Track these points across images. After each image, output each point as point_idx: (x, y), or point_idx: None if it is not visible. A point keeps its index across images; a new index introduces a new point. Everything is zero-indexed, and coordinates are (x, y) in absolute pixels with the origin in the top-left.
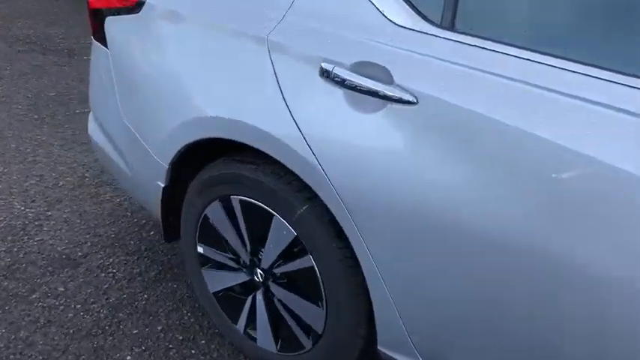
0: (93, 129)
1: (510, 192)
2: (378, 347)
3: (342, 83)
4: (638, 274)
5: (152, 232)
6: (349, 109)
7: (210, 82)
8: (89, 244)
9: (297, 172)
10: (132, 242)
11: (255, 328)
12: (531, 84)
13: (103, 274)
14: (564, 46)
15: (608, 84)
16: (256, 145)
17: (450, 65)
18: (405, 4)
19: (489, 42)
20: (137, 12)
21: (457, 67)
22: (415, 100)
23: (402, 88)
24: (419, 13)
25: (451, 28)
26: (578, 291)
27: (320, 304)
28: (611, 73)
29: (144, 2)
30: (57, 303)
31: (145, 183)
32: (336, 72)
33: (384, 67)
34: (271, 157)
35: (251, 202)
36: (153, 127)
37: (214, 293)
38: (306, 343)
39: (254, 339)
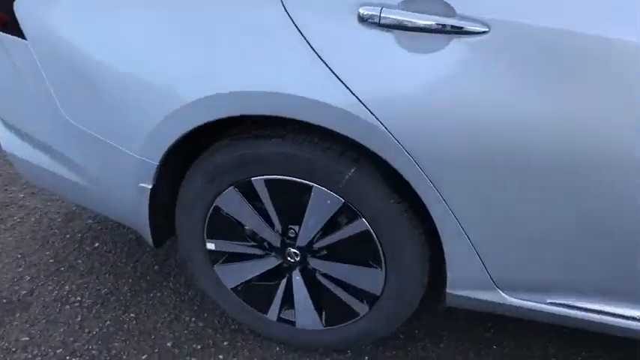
0: (10, 142)
1: (605, 107)
2: (448, 290)
3: (393, 25)
4: None
5: (97, 244)
6: (406, 51)
7: (216, 55)
8: (28, 277)
9: (349, 134)
10: (79, 261)
11: (291, 311)
12: None
13: (68, 306)
14: None
15: None
16: (294, 116)
17: None
18: None
19: None
20: None
21: None
22: (487, 29)
23: (469, 18)
24: None
25: None
26: None
27: (378, 265)
28: None
29: None
30: (29, 356)
31: (120, 189)
32: (384, 14)
33: None
34: (297, 126)
35: (280, 180)
36: (130, 122)
37: (233, 288)
38: (361, 309)
39: (291, 322)
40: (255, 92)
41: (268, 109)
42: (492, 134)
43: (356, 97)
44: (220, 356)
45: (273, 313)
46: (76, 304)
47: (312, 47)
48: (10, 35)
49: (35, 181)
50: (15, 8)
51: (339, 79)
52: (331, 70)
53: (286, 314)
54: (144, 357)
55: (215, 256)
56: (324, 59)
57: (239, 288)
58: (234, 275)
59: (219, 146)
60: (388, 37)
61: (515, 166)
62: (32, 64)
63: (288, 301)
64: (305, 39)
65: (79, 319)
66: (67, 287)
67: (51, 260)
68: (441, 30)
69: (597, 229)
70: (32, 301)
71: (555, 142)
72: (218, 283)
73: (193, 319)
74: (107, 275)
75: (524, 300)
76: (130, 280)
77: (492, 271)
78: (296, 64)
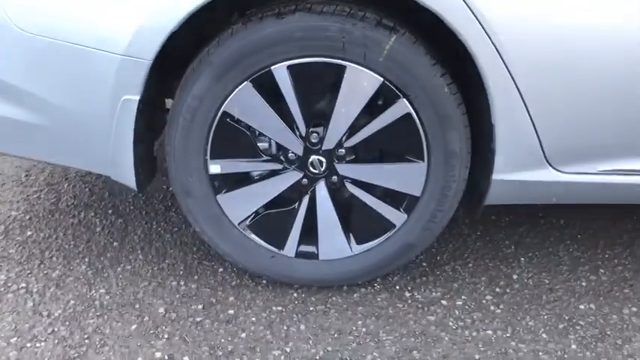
0: None
1: None
2: (494, 177)
3: None
4: None
5: (29, 233)
6: None
7: None
8: None
9: None
10: (12, 251)
11: (312, 242)
12: None
13: (10, 295)
14: None
15: None
16: None
17: None
18: None
19: None
20: None
21: None
22: None
23: None
24: None
25: None
26: None
27: (419, 157)
28: None
29: None
30: None
31: (92, 113)
32: None
33: None
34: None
35: (307, 63)
36: (109, 10)
37: (241, 222)
38: (398, 218)
39: (313, 255)
40: None
41: None
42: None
43: None
44: (230, 311)
45: (290, 246)
46: (22, 291)
47: None
48: None
49: None
50: None
51: None
52: None
53: (306, 247)
54: (133, 327)
55: (219, 183)
56: None
57: (248, 221)
58: (242, 205)
59: (230, 32)
60: None
61: (580, 29)
62: None
63: (308, 229)
64: None
65: (30, 304)
66: (1, 277)
67: None
68: None
69: None
70: None
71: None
72: (220, 220)
73: (182, 282)
74: (55, 259)
75: (574, 174)
76: (87, 259)
77: (546, 144)
78: None
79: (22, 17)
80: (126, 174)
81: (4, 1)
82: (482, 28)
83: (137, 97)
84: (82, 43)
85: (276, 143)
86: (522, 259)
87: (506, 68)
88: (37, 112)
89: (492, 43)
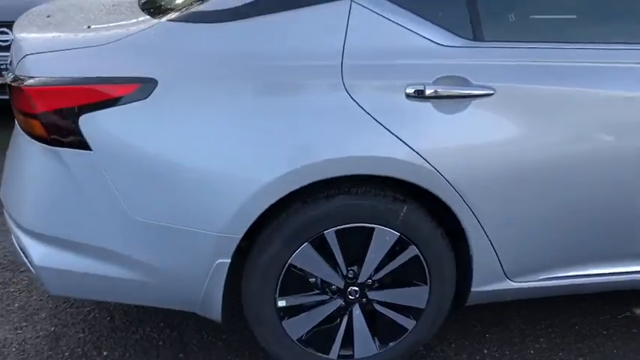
0: (46, 256)
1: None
2: (473, 289)
3: (431, 97)
4: None
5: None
6: (441, 113)
7: (304, 134)
8: None
9: (414, 181)
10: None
11: (350, 345)
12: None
13: None
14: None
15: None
16: (375, 172)
17: (505, 63)
18: (441, 29)
19: (518, 43)
20: (143, 99)
21: (510, 64)
22: (493, 92)
23: (481, 86)
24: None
25: (482, 40)
26: None
27: (423, 282)
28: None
29: (152, 84)
30: None
31: (190, 273)
32: (427, 89)
33: (460, 76)
34: (357, 180)
35: (349, 228)
36: (211, 204)
37: (299, 339)
38: (409, 324)
39: (349, 357)
40: (344, 158)
41: (353, 168)
42: (509, 166)
43: (412, 149)
44: None
45: (334, 351)
46: None
47: (374, 118)
48: (71, 149)
49: (69, 289)
50: (81, 122)
51: (398, 137)
52: (391, 132)
53: (344, 350)
54: None
55: (284, 313)
56: (384, 124)
57: (303, 337)
58: (300, 326)
59: (294, 209)
60: (426, 105)
61: (531, 189)
62: (97, 173)
63: (347, 336)
64: (369, 114)
65: None
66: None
67: None
68: (464, 95)
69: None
70: None
71: (550, 168)
72: (283, 337)
73: None
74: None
75: (523, 282)
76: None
77: (506, 267)
78: (365, 132)
79: (137, 208)
80: (213, 312)
81: (122, 197)
82: (460, 195)
83: (228, 260)
84: (186, 226)
85: (326, 281)
86: (487, 335)
87: (479, 222)
88: (139, 271)
89: (467, 204)
